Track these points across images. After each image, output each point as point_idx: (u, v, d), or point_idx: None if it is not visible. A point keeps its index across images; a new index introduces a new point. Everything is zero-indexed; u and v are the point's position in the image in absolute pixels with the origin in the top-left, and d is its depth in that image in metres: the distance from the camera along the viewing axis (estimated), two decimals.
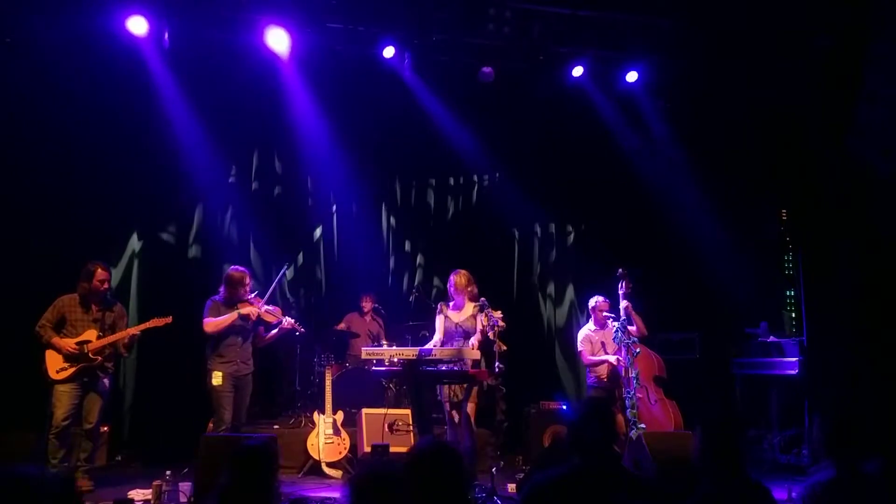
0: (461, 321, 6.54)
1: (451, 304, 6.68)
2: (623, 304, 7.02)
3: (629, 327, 6.96)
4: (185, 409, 7.61)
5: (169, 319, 6.48)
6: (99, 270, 6.21)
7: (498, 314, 6.57)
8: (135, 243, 8.64)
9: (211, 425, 7.12)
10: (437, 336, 6.60)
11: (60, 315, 6.19)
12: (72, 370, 6.09)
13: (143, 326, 6.31)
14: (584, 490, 3.04)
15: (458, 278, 6.61)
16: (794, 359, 7.68)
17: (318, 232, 9.61)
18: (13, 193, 7.62)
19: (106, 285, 6.29)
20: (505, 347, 6.53)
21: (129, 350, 6.43)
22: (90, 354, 6.12)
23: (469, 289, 6.58)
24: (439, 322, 6.68)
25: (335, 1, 7.49)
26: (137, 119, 8.08)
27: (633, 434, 6.43)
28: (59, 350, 6.09)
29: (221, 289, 6.61)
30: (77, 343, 6.10)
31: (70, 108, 7.69)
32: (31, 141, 7.69)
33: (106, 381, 6.30)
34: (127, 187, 8.18)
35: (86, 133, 7.84)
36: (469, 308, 6.59)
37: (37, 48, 7.35)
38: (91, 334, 6.17)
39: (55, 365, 6.09)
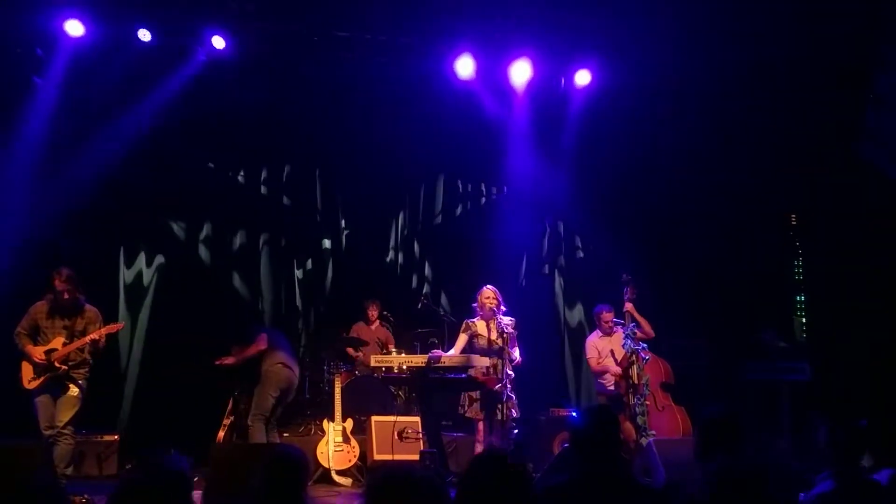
0: (495, 339, 6.55)
1: (478, 320, 6.67)
2: (626, 306, 6.99)
3: (637, 332, 6.94)
4: (196, 418, 7.65)
5: (121, 325, 6.63)
6: (56, 280, 6.04)
7: (507, 321, 6.59)
8: (144, 253, 8.71)
9: (223, 435, 7.20)
10: (455, 353, 6.59)
11: (33, 322, 6.14)
12: (41, 379, 6.02)
13: (98, 332, 6.14)
14: (592, 497, 3.03)
15: (493, 293, 6.62)
16: (803, 364, 7.64)
17: (326, 242, 9.63)
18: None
19: (66, 294, 6.06)
20: (519, 358, 6.55)
21: (93, 356, 6.25)
22: (55, 363, 6.02)
23: (501, 306, 6.63)
24: (462, 340, 6.66)
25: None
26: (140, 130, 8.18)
27: (644, 441, 6.40)
28: (29, 359, 6.06)
29: None
30: (45, 352, 6.03)
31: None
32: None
33: (72, 390, 6.10)
34: (131, 196, 8.24)
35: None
36: (495, 326, 6.61)
37: None
38: (58, 342, 6.08)
39: (27, 374, 6.06)
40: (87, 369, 6.25)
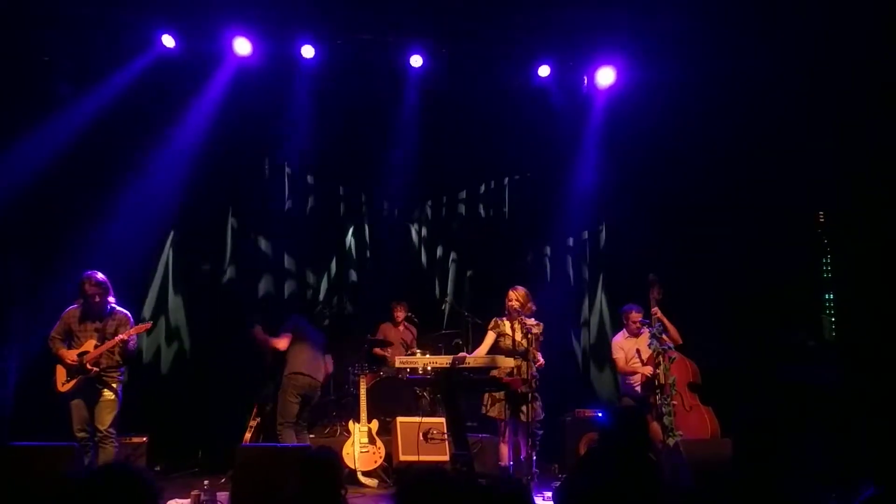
0: (520, 340, 6.53)
1: (506, 320, 6.65)
2: (653, 310, 6.93)
3: (663, 335, 6.88)
4: (222, 420, 7.72)
5: (149, 325, 6.79)
6: (87, 284, 6.19)
7: (531, 322, 6.56)
8: (170, 255, 8.80)
9: (249, 437, 7.26)
10: (482, 351, 6.58)
11: (66, 327, 6.29)
12: (74, 382, 6.16)
13: (127, 333, 6.28)
14: (619, 500, 3.01)
15: (515, 294, 6.60)
16: (833, 363, 7.54)
17: (350, 241, 9.65)
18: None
19: (97, 297, 6.20)
20: (542, 361, 6.53)
21: (124, 359, 6.36)
22: (87, 365, 6.15)
23: (528, 305, 6.59)
24: (490, 338, 6.66)
25: (362, 10, 7.59)
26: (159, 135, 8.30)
27: (671, 442, 6.35)
28: (63, 362, 6.19)
29: None
30: (77, 355, 6.17)
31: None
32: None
33: (107, 392, 6.24)
34: (160, 200, 8.33)
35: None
36: (519, 327, 6.58)
37: None
38: (90, 345, 6.21)
39: (60, 378, 6.20)
40: (119, 373, 6.36)
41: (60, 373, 6.21)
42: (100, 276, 6.26)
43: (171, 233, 8.75)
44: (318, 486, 3.38)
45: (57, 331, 6.28)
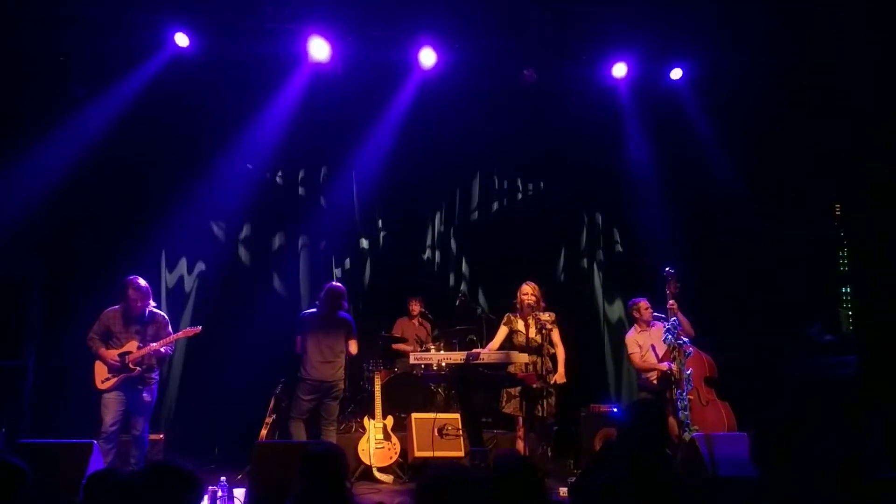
0: (534, 336, 6.53)
1: (519, 317, 6.66)
2: (669, 304, 6.90)
3: (678, 329, 6.85)
4: (238, 417, 7.75)
5: (198, 329, 6.81)
6: (130, 290, 6.42)
7: (545, 317, 6.55)
8: (186, 256, 8.84)
9: (265, 433, 7.29)
10: (494, 346, 6.58)
11: (105, 328, 6.48)
12: (114, 380, 6.37)
13: (175, 336, 6.59)
14: (636, 496, 3.00)
15: (531, 289, 6.60)
16: (850, 358, 7.47)
17: (364, 242, 9.65)
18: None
19: (139, 302, 6.43)
20: (554, 351, 6.52)
21: (159, 358, 6.63)
22: (130, 365, 6.38)
23: (541, 303, 6.60)
24: (503, 332, 6.66)
25: (373, 6, 7.56)
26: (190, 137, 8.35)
27: (686, 436, 6.33)
28: (103, 361, 6.39)
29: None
30: (119, 354, 6.39)
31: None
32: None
33: (146, 394, 6.49)
34: (175, 199, 8.37)
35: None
36: (533, 323, 6.57)
37: None
38: (132, 345, 6.44)
39: (101, 375, 6.40)
40: (155, 373, 6.61)
41: (101, 370, 6.41)
42: (142, 282, 6.49)
43: (187, 230, 8.77)
44: (320, 482, 3.39)
45: (95, 331, 6.47)
